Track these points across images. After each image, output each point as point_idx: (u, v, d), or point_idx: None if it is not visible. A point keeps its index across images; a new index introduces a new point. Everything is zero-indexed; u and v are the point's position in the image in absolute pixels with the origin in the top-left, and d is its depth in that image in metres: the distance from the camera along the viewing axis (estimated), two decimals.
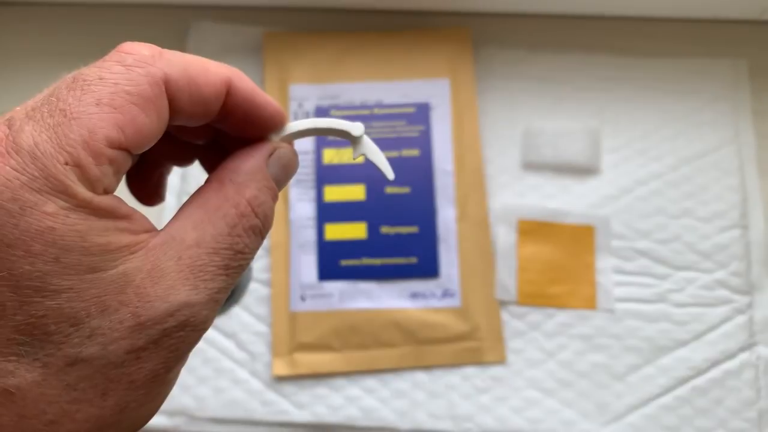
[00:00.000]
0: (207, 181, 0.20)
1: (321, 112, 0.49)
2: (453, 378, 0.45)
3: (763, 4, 0.52)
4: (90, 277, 0.16)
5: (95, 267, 0.16)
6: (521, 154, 0.50)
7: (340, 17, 0.54)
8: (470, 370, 0.46)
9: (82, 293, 0.16)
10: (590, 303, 0.46)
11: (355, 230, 0.47)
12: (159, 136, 0.19)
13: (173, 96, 0.18)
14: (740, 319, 0.46)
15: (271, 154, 0.21)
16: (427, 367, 0.46)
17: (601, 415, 0.44)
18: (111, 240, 0.17)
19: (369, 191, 0.47)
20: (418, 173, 0.48)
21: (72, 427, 0.17)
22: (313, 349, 0.45)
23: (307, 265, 0.47)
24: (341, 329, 0.45)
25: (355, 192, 0.48)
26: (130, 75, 0.17)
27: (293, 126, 0.22)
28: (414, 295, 0.46)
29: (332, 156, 0.48)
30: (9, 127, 0.16)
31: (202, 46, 0.53)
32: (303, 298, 0.46)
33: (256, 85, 0.21)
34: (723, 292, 0.47)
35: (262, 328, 0.46)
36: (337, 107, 0.49)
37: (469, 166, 0.49)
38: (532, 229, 0.48)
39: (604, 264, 0.47)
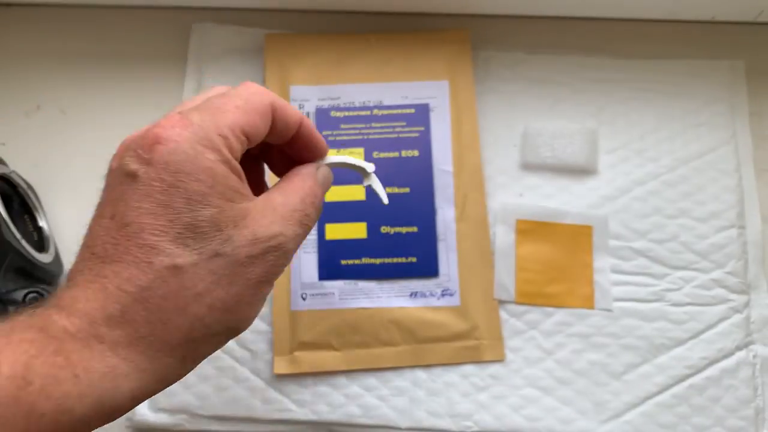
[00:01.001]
0: (284, 177, 0.31)
1: (321, 113, 0.50)
2: (452, 376, 0.46)
3: (760, 6, 0.52)
4: (229, 204, 0.26)
5: (231, 198, 0.26)
6: (520, 154, 0.50)
7: (340, 19, 0.55)
8: (469, 369, 0.46)
9: (224, 212, 0.26)
10: (588, 302, 0.47)
11: (356, 230, 0.48)
12: (261, 139, 0.29)
13: (273, 117, 0.29)
14: (737, 318, 0.47)
15: (318, 169, 0.31)
16: (426, 366, 0.46)
17: (598, 413, 0.45)
18: (238, 188, 0.26)
19: (369, 192, 0.48)
20: (418, 174, 0.48)
21: (209, 301, 0.25)
22: (314, 348, 0.46)
23: (308, 264, 0.47)
24: (342, 328, 0.46)
25: (356, 192, 0.48)
26: (254, 96, 0.28)
27: (328, 158, 0.32)
28: (413, 294, 0.47)
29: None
30: (180, 113, 0.26)
31: (203, 48, 0.53)
32: (304, 297, 0.46)
33: (315, 128, 0.31)
34: (720, 291, 0.47)
35: (263, 326, 0.47)
36: (338, 108, 0.50)
37: (468, 166, 0.49)
38: (530, 229, 0.48)
39: (602, 263, 0.47)
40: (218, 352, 0.46)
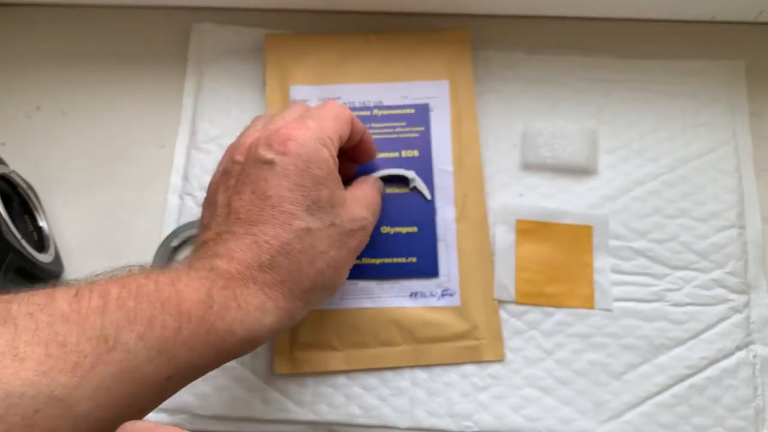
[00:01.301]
0: (355, 182, 0.42)
1: None
2: (452, 376, 0.46)
3: (760, 6, 0.52)
4: (337, 189, 0.36)
5: (338, 186, 0.36)
6: (520, 154, 0.50)
7: (340, 19, 0.55)
8: (469, 368, 0.46)
9: (334, 194, 0.36)
10: (588, 302, 0.47)
11: None
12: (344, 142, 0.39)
13: (350, 125, 0.38)
14: (737, 317, 0.47)
15: (375, 180, 0.43)
16: (426, 366, 0.46)
17: (598, 413, 0.45)
18: (339, 178, 0.37)
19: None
20: (418, 173, 0.48)
21: (327, 259, 0.35)
22: (314, 348, 0.46)
23: None
24: (342, 328, 0.46)
25: None
26: (342, 110, 0.38)
27: (380, 172, 0.46)
28: (413, 295, 0.47)
29: None
30: (298, 119, 0.36)
31: (203, 48, 0.53)
32: None
33: (372, 136, 0.43)
34: (720, 291, 0.47)
35: None
36: None
37: (468, 166, 0.49)
38: (530, 229, 0.48)
39: (602, 264, 0.47)
40: None
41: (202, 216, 0.38)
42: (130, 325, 0.28)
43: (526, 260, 0.48)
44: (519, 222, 0.48)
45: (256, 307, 0.32)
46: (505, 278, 0.47)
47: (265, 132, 0.36)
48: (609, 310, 0.46)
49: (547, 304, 0.47)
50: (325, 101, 0.39)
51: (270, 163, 0.34)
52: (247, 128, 0.39)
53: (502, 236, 0.48)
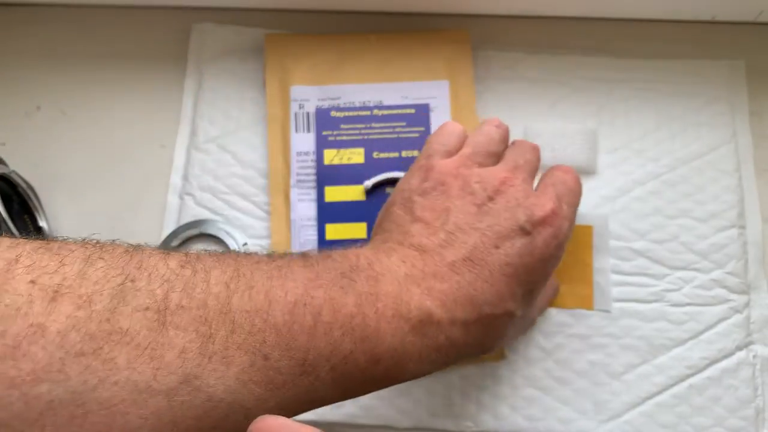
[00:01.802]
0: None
1: (321, 113, 0.50)
2: (452, 376, 0.46)
3: (760, 6, 0.52)
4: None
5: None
6: None
7: (340, 19, 0.55)
8: (469, 369, 0.46)
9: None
10: (587, 302, 0.47)
11: (356, 230, 0.48)
12: None
13: None
14: (737, 318, 0.47)
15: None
16: None
17: (598, 413, 0.45)
18: None
19: (369, 192, 0.48)
20: None
21: (446, 286, 0.32)
22: None
23: None
24: None
25: (356, 192, 0.48)
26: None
27: (373, 178, 0.46)
28: None
29: (333, 156, 0.49)
30: (558, 203, 0.36)
31: (203, 48, 0.53)
32: None
33: None
34: (720, 292, 0.47)
35: None
36: (338, 108, 0.50)
37: None
38: None
39: (603, 264, 0.47)
40: None
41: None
42: (329, 357, 0.27)
43: None
44: None
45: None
46: None
47: (537, 201, 0.35)
48: (607, 311, 0.46)
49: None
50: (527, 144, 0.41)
51: (526, 233, 0.33)
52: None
53: None
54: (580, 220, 0.48)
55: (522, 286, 0.33)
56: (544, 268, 0.34)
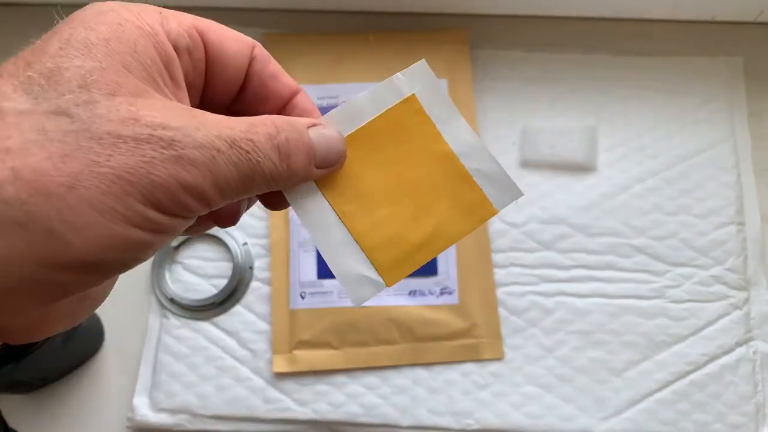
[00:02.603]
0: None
1: (321, 112, 0.50)
2: (453, 374, 0.46)
3: (760, 6, 0.52)
4: (122, 69, 0.19)
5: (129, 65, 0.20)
6: (519, 152, 0.50)
7: (339, 19, 0.55)
8: (470, 367, 0.46)
9: (106, 71, 0.19)
10: (482, 209, 0.26)
11: None
12: None
13: None
14: (737, 314, 0.47)
15: (312, 126, 0.23)
16: (427, 364, 0.46)
17: (599, 410, 0.45)
18: None
19: None
20: None
21: (18, 164, 0.17)
22: (313, 347, 0.46)
23: (307, 263, 0.47)
24: (340, 326, 0.46)
25: None
26: None
27: None
28: (412, 293, 0.47)
29: None
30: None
31: None
32: (303, 296, 0.46)
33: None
34: (720, 288, 0.47)
35: (264, 326, 0.47)
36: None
37: None
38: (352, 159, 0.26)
39: (462, 137, 0.26)
40: (218, 351, 0.46)
41: None
42: None
43: (359, 215, 0.25)
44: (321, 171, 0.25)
45: None
46: (352, 263, 0.25)
47: None
48: (517, 197, 0.26)
49: (428, 257, 0.26)
50: None
51: None
52: None
53: (308, 200, 0.25)
54: (392, 97, 0.26)
55: None
56: None
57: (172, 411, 0.45)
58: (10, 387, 0.43)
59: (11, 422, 0.44)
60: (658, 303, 0.47)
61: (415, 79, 0.26)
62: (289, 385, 0.46)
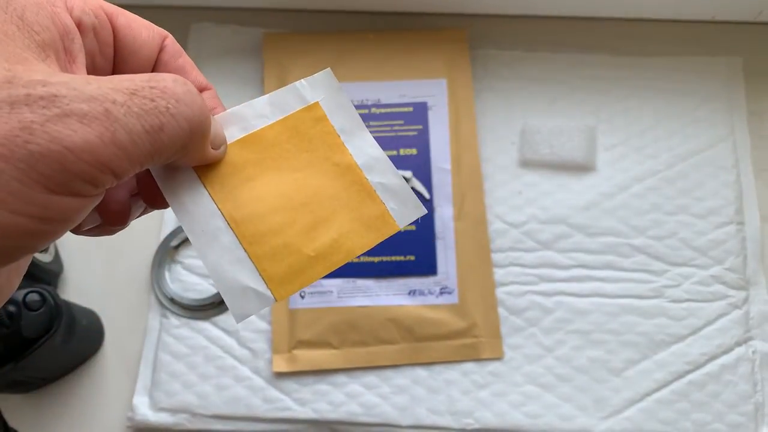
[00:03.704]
0: None
1: None
2: (452, 374, 0.46)
3: (760, 6, 0.52)
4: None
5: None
6: (518, 152, 0.50)
7: (338, 18, 0.55)
8: (469, 366, 0.46)
9: None
10: (385, 225, 0.24)
11: None
12: None
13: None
14: (736, 314, 0.47)
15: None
16: (426, 363, 0.46)
17: (599, 409, 0.45)
18: None
19: None
20: (416, 172, 0.48)
21: None
22: (313, 346, 0.46)
23: None
24: (340, 326, 0.46)
25: None
26: None
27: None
28: (412, 293, 0.47)
29: None
30: None
31: (202, 47, 0.53)
32: (302, 296, 0.47)
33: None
34: (719, 288, 0.47)
35: (264, 325, 0.47)
36: None
37: (467, 165, 0.49)
38: (230, 164, 0.23)
39: (366, 150, 0.24)
40: (218, 351, 0.46)
41: None
42: None
43: (250, 222, 0.23)
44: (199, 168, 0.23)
45: None
46: (237, 273, 0.22)
47: None
48: (420, 214, 0.24)
49: (324, 271, 0.23)
50: None
51: None
52: None
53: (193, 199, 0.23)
54: (295, 103, 0.24)
55: None
56: None
57: (172, 410, 0.45)
58: (10, 387, 0.43)
59: (11, 422, 0.44)
60: (657, 302, 0.47)
61: (319, 87, 0.24)
62: (289, 384, 0.46)
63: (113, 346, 0.47)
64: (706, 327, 0.46)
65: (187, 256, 0.49)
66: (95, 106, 0.15)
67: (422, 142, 0.49)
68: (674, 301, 0.47)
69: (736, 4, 0.52)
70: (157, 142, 0.17)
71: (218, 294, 0.47)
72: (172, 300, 0.47)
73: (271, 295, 0.22)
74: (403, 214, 0.24)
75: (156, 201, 0.22)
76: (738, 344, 0.46)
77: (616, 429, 0.44)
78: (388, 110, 0.50)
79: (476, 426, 0.45)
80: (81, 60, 0.19)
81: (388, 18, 0.55)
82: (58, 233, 0.17)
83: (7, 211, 0.15)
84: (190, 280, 0.48)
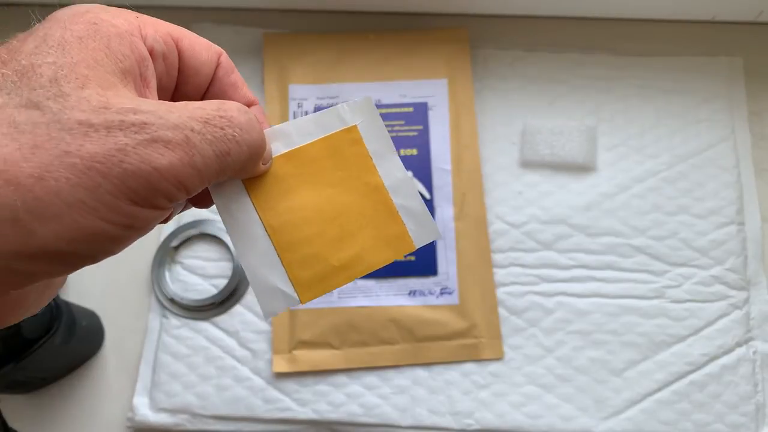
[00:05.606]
0: None
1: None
2: (453, 374, 0.46)
3: (760, 6, 0.52)
4: (93, 63, 0.19)
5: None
6: (519, 152, 0.50)
7: (338, 19, 0.55)
8: (470, 367, 0.46)
9: (77, 65, 0.19)
10: (402, 244, 0.27)
11: None
12: None
13: None
14: (737, 314, 0.47)
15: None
16: (427, 364, 0.46)
17: (599, 410, 0.45)
18: None
19: None
20: (417, 172, 0.48)
21: None
22: (313, 347, 0.46)
23: None
24: (340, 327, 0.46)
25: None
26: None
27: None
28: (412, 293, 0.47)
29: None
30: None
31: None
32: None
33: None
34: (720, 288, 0.47)
35: (263, 326, 0.47)
36: None
37: (467, 165, 0.49)
38: (272, 177, 0.26)
39: (394, 174, 0.27)
40: (218, 351, 0.46)
41: None
42: None
43: (286, 230, 0.26)
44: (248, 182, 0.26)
45: None
46: (270, 275, 0.26)
47: None
48: (435, 240, 0.29)
49: (345, 281, 0.26)
50: None
51: None
52: None
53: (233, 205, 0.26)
54: (336, 124, 0.27)
55: None
56: None
57: (172, 411, 0.45)
58: (10, 387, 0.43)
59: (11, 422, 0.44)
60: (658, 303, 0.47)
61: (359, 112, 0.27)
62: (289, 385, 0.46)
63: (113, 346, 0.47)
64: (707, 327, 0.46)
65: (187, 256, 0.49)
66: (177, 133, 0.19)
67: (422, 142, 0.49)
68: (675, 301, 0.47)
69: (737, 4, 0.52)
70: (223, 164, 0.20)
71: (218, 294, 0.47)
72: (172, 300, 0.47)
73: (297, 297, 0.25)
74: (421, 236, 0.27)
75: (201, 203, 0.25)
76: (739, 345, 0.46)
77: (617, 429, 0.44)
78: (389, 110, 0.50)
79: (476, 426, 0.45)
80: (153, 84, 0.22)
81: (389, 18, 0.55)
82: (133, 239, 0.19)
83: (98, 218, 0.17)
84: (190, 280, 0.48)
